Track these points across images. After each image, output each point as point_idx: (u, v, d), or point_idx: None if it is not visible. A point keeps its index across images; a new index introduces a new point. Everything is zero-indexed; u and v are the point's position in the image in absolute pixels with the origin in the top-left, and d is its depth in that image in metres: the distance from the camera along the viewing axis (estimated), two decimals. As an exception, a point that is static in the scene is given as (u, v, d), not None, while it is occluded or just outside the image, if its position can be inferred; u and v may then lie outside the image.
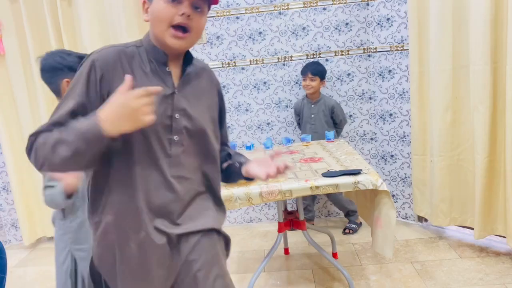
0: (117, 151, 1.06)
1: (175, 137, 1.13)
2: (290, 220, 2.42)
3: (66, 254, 1.62)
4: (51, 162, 0.99)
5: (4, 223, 3.45)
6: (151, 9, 1.08)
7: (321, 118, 3.01)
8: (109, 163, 1.08)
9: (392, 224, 1.96)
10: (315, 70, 2.96)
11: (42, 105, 3.06)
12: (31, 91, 3.09)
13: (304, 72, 2.99)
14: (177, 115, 1.13)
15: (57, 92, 1.56)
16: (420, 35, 2.73)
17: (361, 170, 1.99)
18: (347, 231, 3.08)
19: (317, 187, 1.94)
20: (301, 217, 2.40)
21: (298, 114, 3.14)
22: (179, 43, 1.08)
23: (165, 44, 1.09)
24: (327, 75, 3.06)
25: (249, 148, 2.69)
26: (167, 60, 1.13)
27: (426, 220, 3.07)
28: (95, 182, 1.12)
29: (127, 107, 0.95)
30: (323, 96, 3.05)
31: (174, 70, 1.15)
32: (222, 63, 3.14)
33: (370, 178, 1.94)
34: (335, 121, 3.06)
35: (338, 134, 3.09)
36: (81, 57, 1.51)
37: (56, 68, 1.52)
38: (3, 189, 3.37)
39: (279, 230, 2.39)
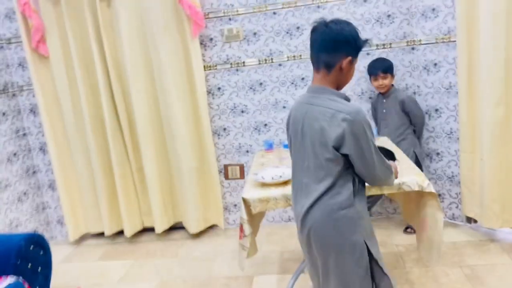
0: None
1: None
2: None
3: None
4: None
5: (51, 220, 3.58)
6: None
7: (392, 113, 2.88)
8: None
9: (439, 227, 1.85)
10: (385, 67, 2.85)
11: (84, 105, 3.13)
12: (74, 91, 3.16)
13: (374, 72, 2.88)
14: None
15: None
16: (469, 26, 2.56)
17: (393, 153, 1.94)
18: (409, 230, 2.95)
19: (358, 188, 1.86)
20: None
21: (375, 109, 3.06)
22: None
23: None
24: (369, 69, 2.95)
25: (285, 146, 2.62)
26: None
27: (475, 221, 2.90)
28: None
29: None
30: (394, 89, 2.92)
31: None
32: (259, 60, 3.09)
33: (416, 179, 1.84)
34: (410, 117, 2.90)
35: (417, 133, 2.93)
36: None
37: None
38: (49, 186, 3.49)
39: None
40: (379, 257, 1.57)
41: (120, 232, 3.41)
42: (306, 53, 3.06)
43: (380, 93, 2.93)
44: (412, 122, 2.90)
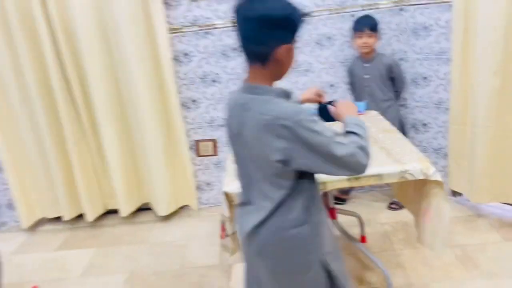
0: None
1: None
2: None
3: None
4: None
5: (0, 204, 3.19)
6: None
7: (377, 79, 2.63)
8: None
9: (445, 218, 1.67)
10: (373, 24, 2.56)
11: (29, 76, 2.69)
12: (15, 59, 2.71)
13: (359, 28, 2.57)
14: None
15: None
16: (467, -15, 2.31)
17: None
18: (393, 206, 2.80)
19: (357, 178, 1.62)
20: (331, 202, 2.10)
21: (352, 75, 2.76)
22: None
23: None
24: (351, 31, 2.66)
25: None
26: None
27: (460, 194, 2.79)
28: None
29: None
30: (379, 53, 2.65)
31: None
32: (232, 22, 2.73)
33: (419, 167, 1.62)
34: (394, 82, 2.67)
35: (397, 97, 2.73)
36: None
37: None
38: (-5, 168, 3.07)
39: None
40: (340, 274, 1.33)
41: (81, 216, 3.08)
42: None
43: (360, 56, 2.67)
44: (395, 88, 2.69)
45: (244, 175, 1.31)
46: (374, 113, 2.35)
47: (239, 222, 1.36)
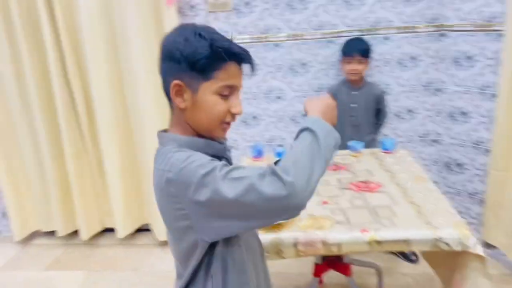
0: None
1: None
2: (330, 260, 1.83)
3: None
4: None
5: (-6, 212, 3.03)
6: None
7: (362, 109, 2.35)
8: None
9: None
10: (364, 49, 2.29)
11: (30, 81, 2.51)
12: (16, 61, 2.53)
13: (349, 52, 2.30)
14: None
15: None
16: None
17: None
18: (413, 258, 2.44)
19: (379, 243, 1.35)
20: (346, 258, 1.82)
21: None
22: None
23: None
24: (384, 55, 2.38)
25: (279, 155, 2.08)
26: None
27: (494, 247, 2.45)
28: None
29: None
30: (368, 82, 2.38)
31: None
32: (251, 38, 2.49)
33: (456, 235, 1.33)
34: (378, 114, 2.42)
35: (378, 130, 2.46)
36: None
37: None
38: (-9, 174, 2.90)
39: (315, 274, 1.83)
40: None
41: (76, 232, 2.88)
42: (310, 33, 2.46)
43: (347, 81, 2.37)
44: (378, 120, 2.43)
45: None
46: (403, 153, 2.05)
47: None
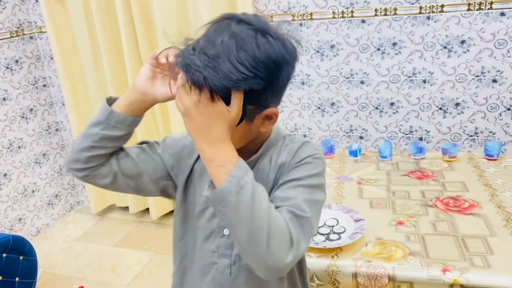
0: None
1: None
2: None
3: None
4: None
5: (77, 183, 3.16)
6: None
7: None
8: None
9: None
10: None
11: (105, 60, 2.49)
12: (94, 41, 2.53)
13: None
14: None
15: None
16: None
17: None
18: None
19: (463, 288, 1.04)
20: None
21: None
22: None
23: None
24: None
25: (354, 154, 1.80)
26: None
27: None
28: None
29: None
30: None
31: None
32: (333, 12, 2.18)
33: None
34: None
35: None
36: None
37: None
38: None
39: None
40: None
41: (148, 210, 2.89)
42: (404, 6, 2.08)
43: None
44: None
45: None
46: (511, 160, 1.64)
47: None
